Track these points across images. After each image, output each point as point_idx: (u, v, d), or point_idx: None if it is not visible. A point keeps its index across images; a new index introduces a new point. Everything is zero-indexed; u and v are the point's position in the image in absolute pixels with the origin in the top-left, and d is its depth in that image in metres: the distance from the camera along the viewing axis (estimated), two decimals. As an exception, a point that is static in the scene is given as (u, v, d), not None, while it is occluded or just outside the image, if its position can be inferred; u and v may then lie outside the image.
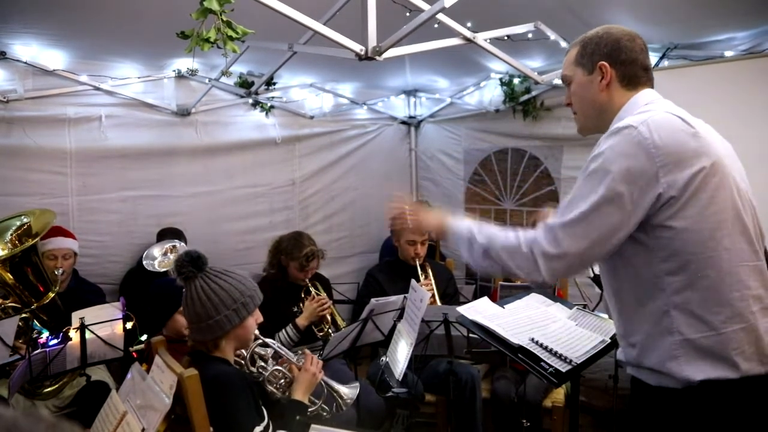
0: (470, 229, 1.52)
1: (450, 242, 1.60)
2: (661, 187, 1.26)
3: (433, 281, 3.34)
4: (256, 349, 2.11)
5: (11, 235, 2.69)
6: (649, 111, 1.35)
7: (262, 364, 2.12)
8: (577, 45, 1.53)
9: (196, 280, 1.90)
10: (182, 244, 3.36)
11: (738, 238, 1.29)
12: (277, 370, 2.11)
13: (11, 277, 2.59)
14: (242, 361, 2.06)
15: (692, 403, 1.28)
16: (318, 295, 3.16)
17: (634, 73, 1.45)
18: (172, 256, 3.21)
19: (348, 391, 2.22)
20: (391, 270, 3.50)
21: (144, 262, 3.25)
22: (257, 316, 1.99)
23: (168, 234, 3.52)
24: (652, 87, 1.48)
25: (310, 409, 2.06)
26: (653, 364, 1.32)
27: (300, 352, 2.16)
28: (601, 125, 1.48)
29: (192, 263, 1.89)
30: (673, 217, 1.27)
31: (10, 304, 2.59)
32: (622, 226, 1.30)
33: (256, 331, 2.03)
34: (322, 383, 2.15)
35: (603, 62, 1.45)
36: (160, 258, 3.24)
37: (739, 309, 1.26)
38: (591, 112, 1.51)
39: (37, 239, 2.65)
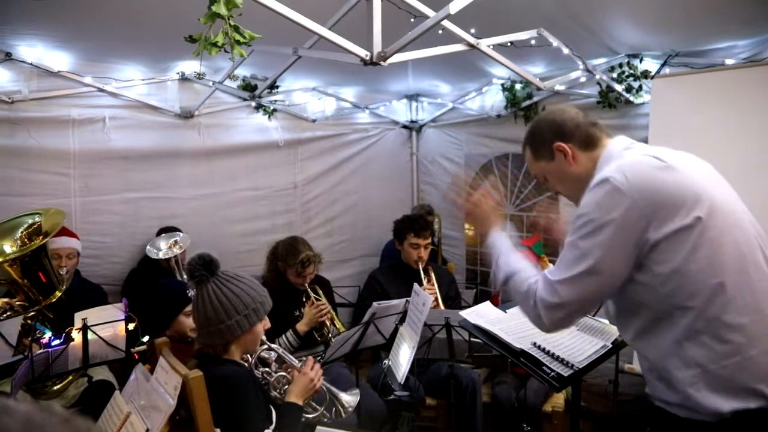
0: (501, 253, 1.58)
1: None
2: (650, 229, 1.27)
3: (436, 285, 3.35)
4: (261, 354, 2.13)
5: (21, 232, 2.70)
6: (624, 157, 1.39)
7: (267, 369, 2.13)
8: (526, 147, 1.62)
9: (209, 284, 1.91)
10: (183, 235, 3.37)
11: (741, 261, 1.28)
12: (281, 376, 2.12)
13: (20, 275, 2.60)
14: (247, 365, 2.07)
15: None
16: (318, 300, 3.16)
17: (587, 134, 1.49)
18: (176, 249, 3.22)
19: (349, 399, 2.23)
20: (393, 273, 3.50)
21: (147, 249, 3.27)
22: (265, 323, 2.01)
23: (167, 232, 3.52)
24: (609, 135, 1.52)
25: (311, 415, 2.06)
26: (679, 400, 1.30)
27: (304, 359, 2.18)
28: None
29: (205, 267, 1.90)
30: (669, 252, 1.27)
31: (18, 303, 2.61)
32: (619, 277, 1.33)
33: (263, 336, 2.05)
34: (324, 389, 2.16)
35: (556, 143, 1.50)
36: (165, 249, 3.25)
37: (753, 333, 1.24)
38: (575, 188, 1.54)
39: (47, 239, 2.66)
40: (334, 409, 2.18)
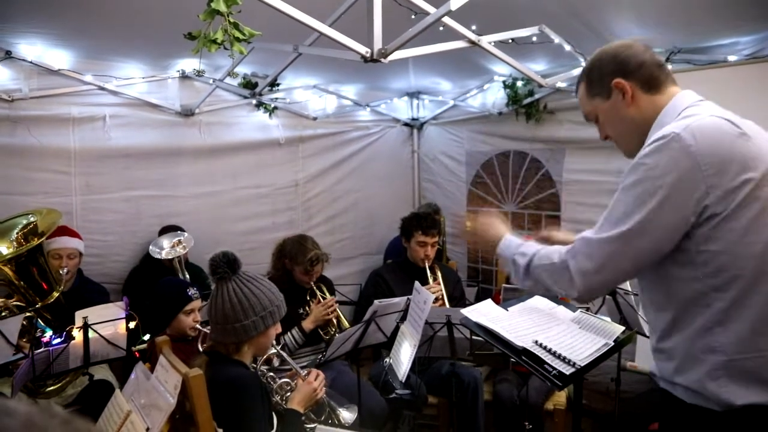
0: (513, 250, 1.48)
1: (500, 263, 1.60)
2: (709, 198, 1.17)
3: (442, 284, 3.34)
4: (267, 357, 2.14)
5: (17, 233, 2.69)
6: (693, 115, 1.26)
7: (272, 374, 2.14)
8: (581, 80, 1.48)
9: (230, 282, 1.92)
10: (187, 235, 3.37)
11: None
12: (285, 382, 2.14)
13: (16, 276, 2.60)
14: (254, 368, 2.08)
15: (732, 426, 1.21)
16: (324, 298, 3.17)
17: (651, 75, 1.37)
18: (179, 249, 3.22)
19: (347, 416, 2.27)
20: (400, 271, 3.50)
21: (150, 249, 3.27)
22: (277, 327, 2.02)
23: (170, 230, 3.52)
24: (675, 81, 1.40)
25: (309, 426, 2.07)
26: (691, 383, 1.25)
27: (307, 371, 2.19)
28: (643, 141, 1.36)
29: (228, 265, 1.92)
30: (722, 229, 1.18)
31: (14, 303, 2.60)
32: (666, 244, 1.23)
33: (273, 341, 2.06)
34: (325, 401, 2.17)
35: (616, 79, 1.37)
36: (167, 249, 3.25)
37: None
38: (629, 133, 1.42)
39: (42, 239, 2.65)
40: (330, 422, 2.20)
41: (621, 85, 1.37)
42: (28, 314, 2.53)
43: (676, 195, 1.18)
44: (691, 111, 1.29)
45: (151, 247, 3.28)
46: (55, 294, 2.69)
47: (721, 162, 1.17)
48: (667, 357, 1.32)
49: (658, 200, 1.19)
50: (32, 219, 2.76)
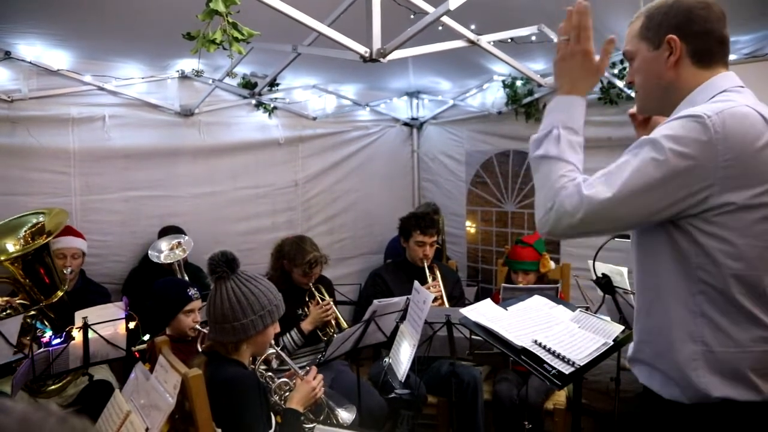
0: (555, 121, 1.35)
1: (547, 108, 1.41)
2: (715, 188, 1.13)
3: (441, 283, 3.35)
4: (266, 357, 2.14)
5: (25, 232, 2.71)
6: (728, 101, 1.18)
7: (270, 374, 2.14)
8: (641, 16, 1.37)
9: (228, 281, 1.92)
10: (187, 238, 3.38)
11: None
12: (284, 382, 2.14)
13: (22, 274, 2.61)
14: (252, 368, 2.08)
15: (706, 420, 1.20)
16: (322, 299, 3.17)
17: (708, 48, 1.27)
18: (178, 252, 3.23)
19: (345, 416, 2.28)
20: (398, 271, 3.50)
21: (149, 253, 3.28)
22: (276, 326, 2.03)
23: (170, 232, 3.53)
24: (727, 64, 1.30)
25: (307, 425, 2.08)
26: (668, 369, 1.25)
27: (308, 368, 2.19)
28: (664, 106, 1.32)
29: (227, 264, 1.93)
30: (724, 226, 1.16)
31: (19, 302, 2.61)
32: (644, 219, 1.19)
33: (272, 340, 2.06)
34: (323, 401, 2.18)
35: (672, 35, 1.26)
36: (166, 252, 3.25)
37: None
38: (656, 91, 1.34)
39: (49, 238, 2.66)
40: (329, 422, 2.20)
41: (674, 42, 1.27)
42: (31, 313, 2.54)
43: (682, 177, 1.13)
44: (726, 96, 1.22)
45: (149, 250, 3.28)
46: (60, 293, 2.70)
47: (740, 157, 1.12)
48: (647, 340, 1.32)
49: (661, 177, 1.14)
50: (41, 218, 2.77)
